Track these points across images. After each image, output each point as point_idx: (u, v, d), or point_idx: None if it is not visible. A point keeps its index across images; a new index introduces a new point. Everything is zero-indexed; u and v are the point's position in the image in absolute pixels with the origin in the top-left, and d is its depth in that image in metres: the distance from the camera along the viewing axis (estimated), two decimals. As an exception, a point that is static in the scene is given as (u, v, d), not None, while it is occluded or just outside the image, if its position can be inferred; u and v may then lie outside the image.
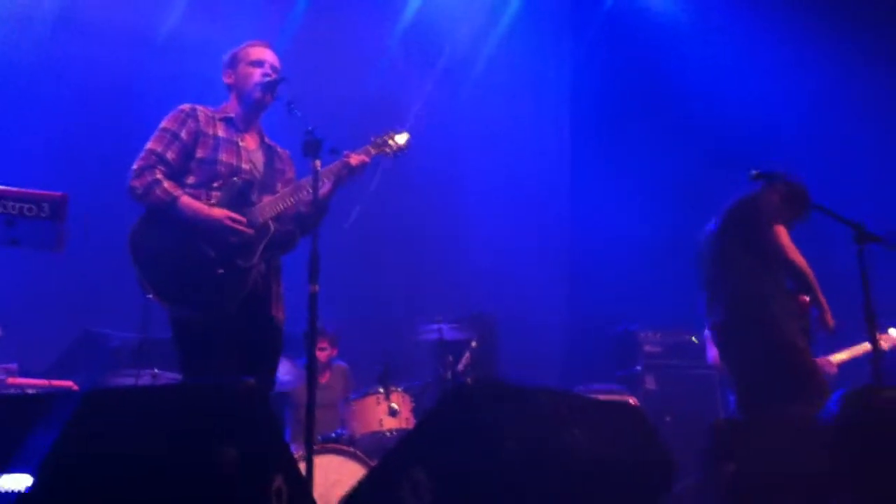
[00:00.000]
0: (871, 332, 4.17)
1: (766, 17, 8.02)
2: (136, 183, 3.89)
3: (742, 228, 4.82)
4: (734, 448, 3.27)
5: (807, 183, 4.86)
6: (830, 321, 4.64)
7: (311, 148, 3.77)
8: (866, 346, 5.76)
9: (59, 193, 2.88)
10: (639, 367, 7.15)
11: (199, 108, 4.10)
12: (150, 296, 3.82)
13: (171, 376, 5.49)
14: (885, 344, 5.66)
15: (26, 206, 2.88)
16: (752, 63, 8.12)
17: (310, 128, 3.79)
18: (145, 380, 5.49)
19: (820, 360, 5.80)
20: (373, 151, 4.23)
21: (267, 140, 4.27)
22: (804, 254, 4.70)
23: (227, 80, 4.21)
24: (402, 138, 4.30)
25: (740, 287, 4.76)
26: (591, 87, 8.93)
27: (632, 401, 6.39)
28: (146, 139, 4.01)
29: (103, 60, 6.84)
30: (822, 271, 4.76)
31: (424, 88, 8.07)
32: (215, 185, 3.98)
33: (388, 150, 4.27)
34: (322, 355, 6.30)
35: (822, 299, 4.63)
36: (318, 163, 3.79)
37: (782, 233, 4.67)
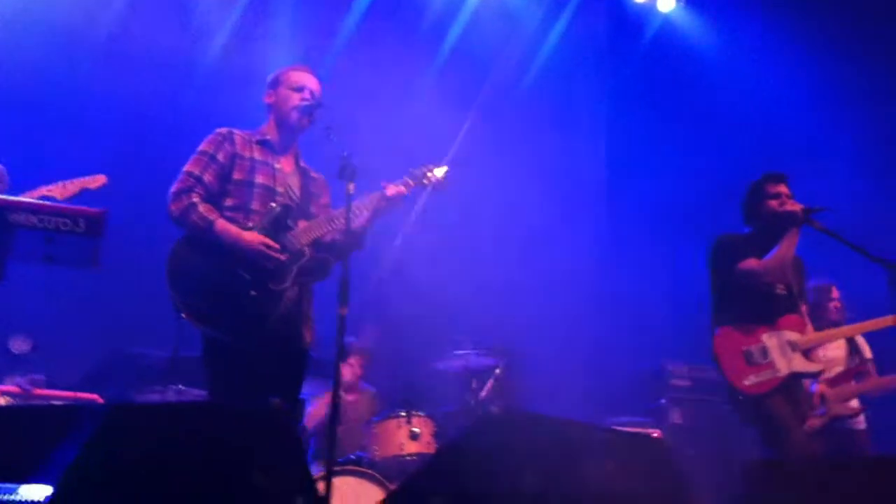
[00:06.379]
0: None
1: (806, 48, 8.06)
2: (174, 206, 3.98)
3: None
4: (767, 492, 3.20)
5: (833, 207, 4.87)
6: None
7: (347, 172, 3.79)
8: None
9: (97, 210, 2.91)
10: (664, 401, 7.09)
11: (236, 131, 4.18)
12: (184, 315, 3.88)
13: (196, 393, 5.53)
14: None
15: (62, 220, 2.90)
16: (797, 96, 8.14)
17: (346, 152, 3.81)
18: (170, 396, 5.52)
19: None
20: (411, 183, 4.26)
21: (302, 163, 4.33)
22: None
23: (266, 101, 4.30)
24: (440, 172, 4.33)
25: None
26: (627, 120, 8.93)
27: (656, 434, 6.36)
28: (185, 162, 4.09)
29: (148, 86, 6.96)
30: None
31: (461, 119, 8.10)
32: (252, 207, 4.05)
33: (426, 182, 4.29)
34: (350, 372, 6.37)
35: None
36: (351, 186, 3.81)
37: None
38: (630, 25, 9.03)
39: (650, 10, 8.85)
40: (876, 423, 5.92)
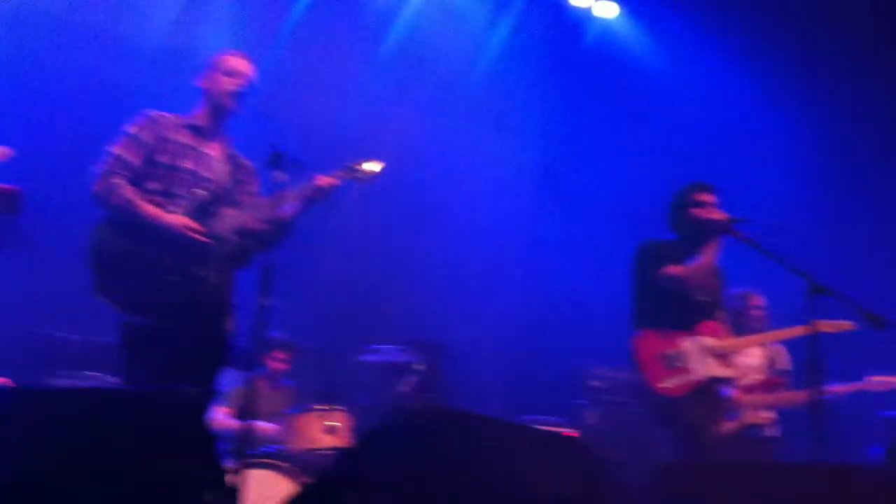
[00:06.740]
0: (814, 384, 4.25)
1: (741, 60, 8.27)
2: (97, 187, 3.92)
3: None
4: (676, 493, 3.26)
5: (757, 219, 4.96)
6: None
7: (275, 160, 3.76)
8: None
9: (10, 187, 2.82)
10: (583, 401, 7.16)
11: (165, 114, 4.13)
12: (102, 299, 3.82)
13: (111, 380, 5.41)
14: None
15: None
16: (735, 101, 8.34)
17: (276, 140, 3.78)
18: (83, 383, 5.40)
19: None
20: (344, 176, 4.22)
21: (231, 150, 4.27)
22: None
23: (200, 84, 4.23)
24: (374, 166, 4.28)
25: None
26: (565, 121, 9.01)
27: (573, 434, 6.42)
28: (111, 143, 4.01)
29: (82, 64, 6.86)
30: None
31: (401, 116, 8.09)
32: (178, 192, 4.00)
33: (359, 175, 4.24)
34: (279, 366, 6.31)
35: None
36: (280, 175, 3.77)
37: None
38: (571, 29, 9.10)
39: (589, 15, 8.96)
40: (791, 432, 6.03)
